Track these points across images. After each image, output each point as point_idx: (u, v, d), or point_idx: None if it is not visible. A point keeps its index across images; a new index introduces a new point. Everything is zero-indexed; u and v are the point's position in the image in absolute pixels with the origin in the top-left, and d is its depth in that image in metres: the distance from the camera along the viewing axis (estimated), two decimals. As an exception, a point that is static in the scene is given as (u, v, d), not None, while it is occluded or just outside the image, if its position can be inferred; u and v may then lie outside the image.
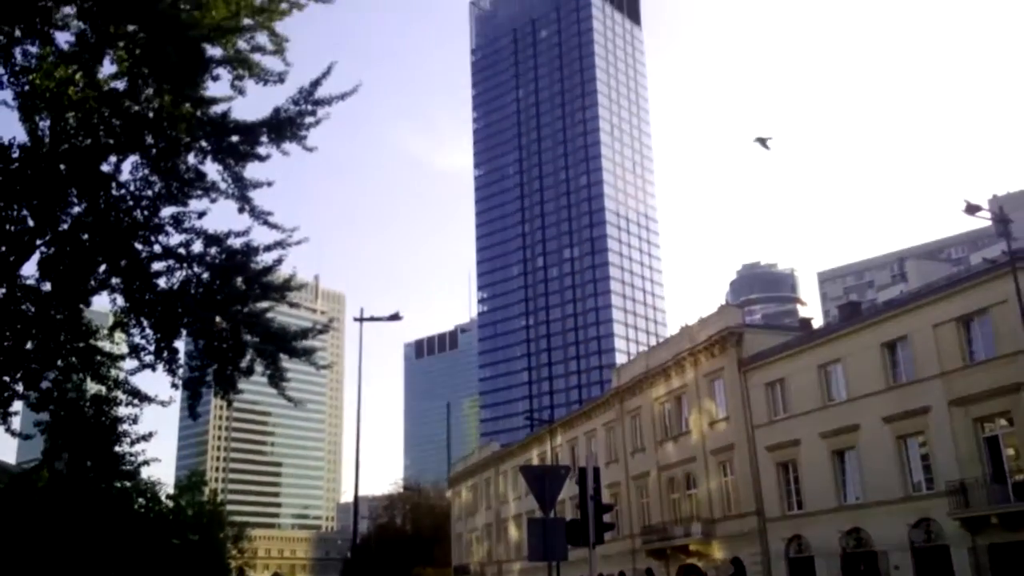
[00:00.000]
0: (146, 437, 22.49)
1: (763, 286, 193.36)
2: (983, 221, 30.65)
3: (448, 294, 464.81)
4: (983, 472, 29.86)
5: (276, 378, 13.19)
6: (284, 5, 11.93)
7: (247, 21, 11.66)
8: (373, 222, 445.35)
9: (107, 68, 11.38)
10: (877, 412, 34.33)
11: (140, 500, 24.78)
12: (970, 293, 31.67)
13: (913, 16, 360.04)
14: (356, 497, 35.47)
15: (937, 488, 31.35)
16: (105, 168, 11.59)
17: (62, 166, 11.16)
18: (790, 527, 38.43)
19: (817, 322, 54.28)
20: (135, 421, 21.88)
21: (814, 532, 36.95)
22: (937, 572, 30.99)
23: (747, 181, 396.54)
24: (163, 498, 27.92)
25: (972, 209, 27.94)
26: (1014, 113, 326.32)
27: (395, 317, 34.05)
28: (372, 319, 34.56)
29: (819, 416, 37.35)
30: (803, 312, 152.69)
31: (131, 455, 22.64)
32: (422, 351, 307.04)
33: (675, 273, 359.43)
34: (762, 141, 36.12)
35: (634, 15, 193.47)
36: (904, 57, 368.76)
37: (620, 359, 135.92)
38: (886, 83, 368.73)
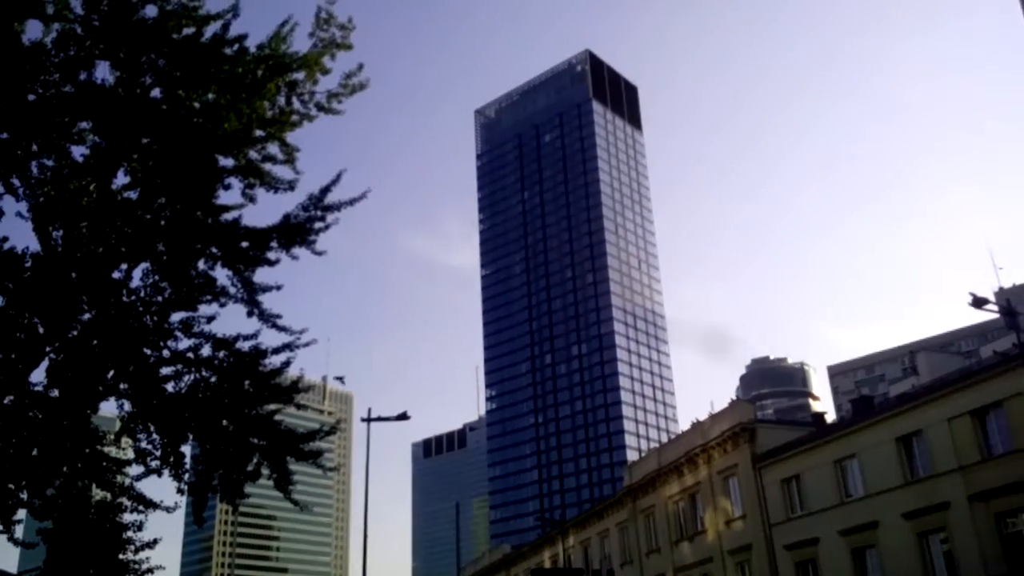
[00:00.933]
0: (151, 544, 22.10)
1: (774, 381, 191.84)
2: (991, 314, 30.60)
3: (456, 392, 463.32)
4: (1008, 569, 29.01)
5: (282, 482, 13.01)
6: (295, 117, 12.26)
7: (258, 132, 11.97)
8: (381, 322, 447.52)
9: (120, 179, 11.66)
10: (896, 508, 33.59)
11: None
12: (983, 386, 31.37)
13: (913, 105, 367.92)
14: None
15: (962, 587, 30.42)
16: (116, 275, 11.73)
17: (73, 274, 11.29)
18: (812, 630, 37.13)
19: (830, 417, 53.65)
20: (140, 528, 21.55)
21: (837, 635, 35.67)
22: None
23: (752, 274, 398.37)
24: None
25: (979, 303, 27.94)
26: (1016, 207, 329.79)
27: (403, 417, 33.83)
28: (380, 419, 34.36)
29: (837, 513, 36.53)
30: (815, 407, 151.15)
31: (135, 563, 22.21)
32: (430, 450, 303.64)
33: (685, 370, 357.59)
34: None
35: (634, 120, 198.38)
36: (905, 147, 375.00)
37: (631, 456, 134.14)
38: (887, 174, 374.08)
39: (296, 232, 12.17)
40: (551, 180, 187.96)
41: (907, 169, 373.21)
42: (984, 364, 36.20)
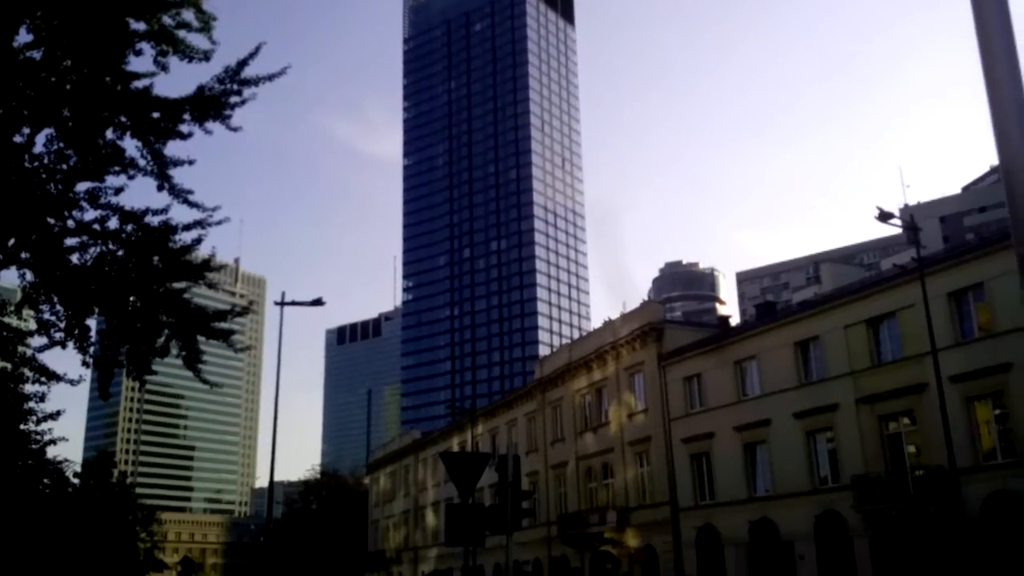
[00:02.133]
0: (54, 416, 21.85)
1: (684, 284, 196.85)
2: (894, 229, 31.82)
3: (372, 281, 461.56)
4: (886, 467, 31.15)
5: (192, 360, 12.94)
6: (212, -19, 11.71)
7: (173, -4, 11.41)
8: (298, 206, 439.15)
9: (23, 36, 11.00)
10: (788, 408, 35.48)
11: (45, 480, 24.02)
12: (880, 297, 32.94)
13: (840, 16, 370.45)
14: (271, 481, 35.08)
15: (843, 481, 32.59)
16: (18, 139, 11.20)
17: (-29, 135, 10.76)
18: (702, 517, 39.46)
19: (735, 320, 55.60)
20: (42, 399, 21.21)
21: (725, 521, 38.01)
22: (840, 562, 32.25)
23: (672, 179, 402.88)
24: (70, 478, 27.13)
25: (884, 216, 29.05)
26: (928, 129, 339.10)
27: (317, 302, 33.73)
28: (293, 303, 34.16)
29: (733, 410, 38.40)
30: (722, 310, 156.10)
31: (37, 433, 21.99)
32: (344, 337, 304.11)
33: (600, 269, 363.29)
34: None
35: (568, 15, 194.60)
36: (832, 57, 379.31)
37: (544, 351, 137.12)
38: (809, 88, 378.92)
39: (210, 105, 11.72)
40: (479, 71, 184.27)
41: (829, 80, 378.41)
42: (883, 276, 37.90)
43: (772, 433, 36.36)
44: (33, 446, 22.00)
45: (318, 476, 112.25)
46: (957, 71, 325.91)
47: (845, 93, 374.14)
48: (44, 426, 21.96)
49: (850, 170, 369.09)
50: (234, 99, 11.88)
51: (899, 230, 32.66)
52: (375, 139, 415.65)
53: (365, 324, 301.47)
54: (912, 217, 34.62)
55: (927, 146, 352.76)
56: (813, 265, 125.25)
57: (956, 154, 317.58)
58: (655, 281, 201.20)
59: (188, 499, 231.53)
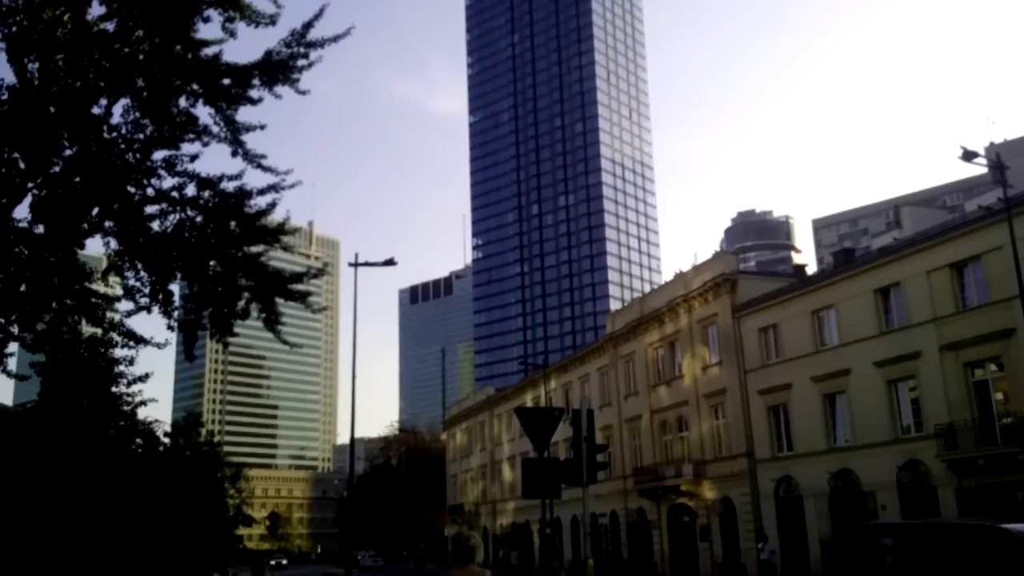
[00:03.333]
0: (142, 378, 22.60)
1: (758, 233, 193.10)
2: (979, 168, 30.55)
3: (443, 240, 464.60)
4: (972, 415, 30.31)
5: (272, 321, 13.26)
6: (276, -55, 11.74)
7: (238, -39, 11.47)
8: (367, 168, 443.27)
9: (96, 9, 11.22)
10: (868, 357, 34.69)
11: (138, 440, 25.01)
12: (964, 240, 31.77)
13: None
14: (352, 437, 35.95)
15: (926, 431, 31.85)
16: (96, 111, 11.46)
17: (52, 108, 11.05)
18: (780, 468, 39.08)
19: (811, 269, 54.39)
20: (131, 363, 21.95)
21: (803, 473, 37.60)
22: (924, 512, 31.62)
23: (744, 128, 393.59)
24: (161, 438, 28.21)
25: (969, 156, 27.82)
26: (1011, 61, 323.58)
27: (390, 262, 34.18)
28: (367, 264, 34.72)
29: (811, 361, 37.74)
30: (797, 259, 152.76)
31: (128, 395, 22.78)
32: (416, 297, 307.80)
33: (671, 220, 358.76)
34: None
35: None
36: (913, 6, 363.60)
37: (614, 305, 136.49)
38: (887, 28, 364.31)
39: (278, 69, 11.84)
40: (543, 23, 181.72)
41: (910, 19, 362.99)
42: (967, 218, 36.51)
43: (852, 383, 35.65)
44: (125, 408, 22.84)
45: (397, 432, 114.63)
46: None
47: (927, 30, 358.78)
48: (134, 388, 22.75)
49: (932, 108, 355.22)
50: (301, 62, 11.99)
51: (984, 169, 31.34)
52: (440, 97, 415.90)
53: (436, 283, 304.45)
54: (998, 155, 33.08)
55: (1014, 81, 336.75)
56: (893, 209, 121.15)
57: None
58: (727, 231, 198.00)
59: (273, 456, 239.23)
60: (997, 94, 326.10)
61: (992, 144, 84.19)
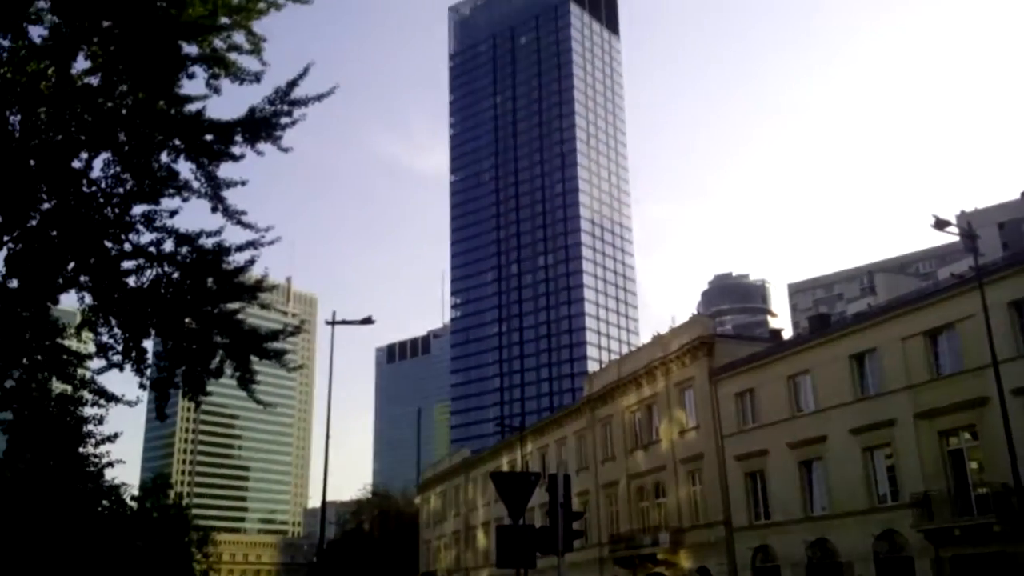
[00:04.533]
0: (111, 438, 22.13)
1: (735, 297, 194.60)
2: (951, 237, 31.05)
3: (421, 299, 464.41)
4: (947, 485, 30.23)
5: (246, 380, 13.04)
6: (262, 4, 11.82)
7: (224, 20, 11.54)
8: (347, 225, 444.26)
9: (81, 63, 11.24)
10: (845, 424, 34.67)
11: (104, 502, 24.39)
12: (938, 307, 32.09)
13: (889, 33, 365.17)
14: (324, 501, 35.27)
15: (902, 500, 31.71)
16: (76, 164, 11.42)
17: (32, 161, 10.99)
18: (757, 537, 38.67)
19: (787, 333, 54.73)
20: (100, 422, 21.51)
21: (780, 542, 37.21)
22: (901, 583, 31.34)
23: (721, 192, 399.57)
24: (128, 500, 27.54)
25: (941, 224, 28.32)
26: (983, 132, 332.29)
27: (367, 321, 33.97)
28: (344, 322, 34.46)
29: (787, 426, 37.66)
30: (773, 323, 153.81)
31: (96, 456, 22.32)
32: (393, 356, 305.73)
33: (648, 282, 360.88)
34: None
35: (612, 25, 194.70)
36: (881, 73, 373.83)
37: (592, 367, 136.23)
38: (863, 98, 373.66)
39: (262, 126, 11.88)
40: (525, 85, 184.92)
41: (884, 88, 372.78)
42: (940, 286, 36.96)
43: (828, 450, 35.56)
44: (91, 469, 22.32)
45: (369, 495, 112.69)
46: (1017, 75, 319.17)
47: (899, 99, 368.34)
48: (103, 448, 22.28)
49: (905, 177, 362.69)
50: (284, 119, 12.03)
51: (956, 238, 31.88)
52: (422, 156, 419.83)
53: (414, 342, 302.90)
54: (969, 224, 33.76)
55: (984, 151, 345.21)
56: (867, 275, 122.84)
57: (1014, 159, 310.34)
58: (704, 294, 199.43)
59: (242, 519, 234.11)
60: (969, 163, 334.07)
61: (963, 213, 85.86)
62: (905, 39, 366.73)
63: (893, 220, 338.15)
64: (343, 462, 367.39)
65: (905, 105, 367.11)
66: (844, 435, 34.61)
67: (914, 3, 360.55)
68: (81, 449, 21.78)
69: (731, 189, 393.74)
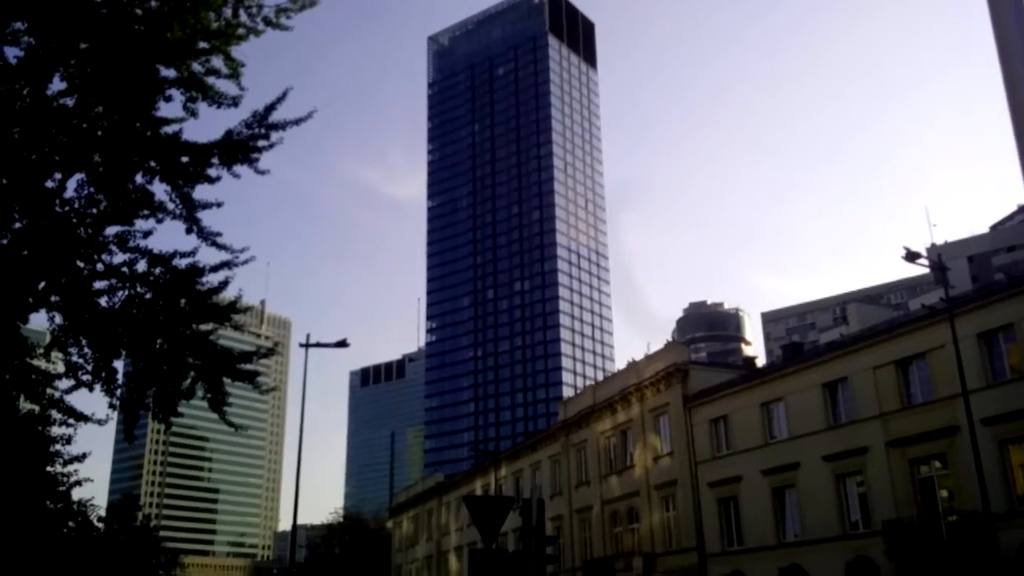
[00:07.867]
0: (80, 458, 21.88)
1: (709, 325, 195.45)
2: (922, 269, 31.50)
3: (396, 323, 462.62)
4: (918, 513, 30.48)
5: (218, 402, 12.94)
6: (241, 30, 11.86)
7: (203, 44, 11.57)
8: (323, 248, 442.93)
9: (56, 84, 11.23)
10: (817, 451, 34.91)
11: (71, 523, 24.04)
12: (909, 338, 32.50)
13: (862, 65, 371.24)
14: (295, 524, 34.90)
15: (874, 527, 31.90)
16: (49, 184, 11.38)
17: (4, 180, 10.94)
18: (730, 563, 38.69)
19: (761, 361, 55.06)
20: (68, 441, 21.25)
21: (753, 568, 37.25)
22: (871, 611, 31.44)
23: (696, 221, 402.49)
24: (95, 521, 27.13)
25: (912, 257, 28.78)
26: (955, 166, 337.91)
27: (342, 344, 33.82)
28: (318, 345, 34.27)
29: (761, 453, 37.84)
30: (747, 351, 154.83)
31: (63, 475, 22.02)
32: (368, 379, 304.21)
33: (624, 310, 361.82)
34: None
35: (590, 58, 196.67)
36: (857, 107, 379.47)
37: (567, 392, 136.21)
38: (836, 131, 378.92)
39: (238, 149, 11.89)
40: (503, 114, 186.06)
41: (855, 120, 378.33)
42: (911, 316, 37.42)
43: (801, 477, 35.76)
44: (59, 488, 22.03)
45: (341, 519, 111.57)
46: (985, 109, 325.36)
47: (871, 132, 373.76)
48: (70, 468, 22.01)
49: (876, 210, 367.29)
50: (261, 143, 12.05)
51: (927, 270, 32.32)
52: (400, 183, 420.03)
53: (389, 365, 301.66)
54: (940, 257, 34.21)
55: (954, 185, 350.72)
56: (840, 305, 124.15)
57: (984, 193, 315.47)
58: (679, 322, 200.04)
59: (211, 542, 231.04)
60: (939, 197, 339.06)
61: (934, 245, 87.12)
62: (879, 70, 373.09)
63: (865, 252, 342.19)
64: (315, 485, 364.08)
65: (878, 138, 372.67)
66: (817, 462, 34.83)
67: (885, 34, 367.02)
68: (49, 468, 21.49)
69: (707, 219, 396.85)
